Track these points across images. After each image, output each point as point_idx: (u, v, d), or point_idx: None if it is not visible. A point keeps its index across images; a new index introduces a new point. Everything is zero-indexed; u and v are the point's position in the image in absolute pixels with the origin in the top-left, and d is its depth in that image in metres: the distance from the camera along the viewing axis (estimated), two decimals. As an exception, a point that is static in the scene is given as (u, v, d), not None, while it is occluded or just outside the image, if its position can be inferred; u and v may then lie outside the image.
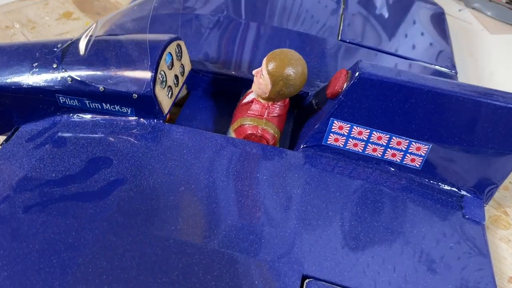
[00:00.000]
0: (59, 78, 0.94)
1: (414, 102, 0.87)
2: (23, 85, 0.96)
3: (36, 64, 0.96)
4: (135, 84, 0.91)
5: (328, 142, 0.94)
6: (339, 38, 1.33)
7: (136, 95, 0.92)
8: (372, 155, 0.94)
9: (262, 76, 0.93)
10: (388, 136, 0.91)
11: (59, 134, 0.94)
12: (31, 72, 0.96)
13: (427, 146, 0.90)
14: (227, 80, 1.12)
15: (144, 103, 0.93)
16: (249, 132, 0.95)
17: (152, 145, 0.90)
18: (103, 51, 0.93)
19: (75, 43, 0.96)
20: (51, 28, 1.48)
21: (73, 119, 0.97)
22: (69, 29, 1.52)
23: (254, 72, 0.95)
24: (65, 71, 0.94)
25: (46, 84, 0.95)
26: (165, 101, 0.96)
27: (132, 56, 0.93)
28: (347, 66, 1.22)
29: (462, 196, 0.93)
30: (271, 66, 0.90)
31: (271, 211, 0.81)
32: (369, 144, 0.92)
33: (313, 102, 1.05)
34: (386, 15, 1.49)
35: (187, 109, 1.12)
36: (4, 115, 1.03)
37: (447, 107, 0.86)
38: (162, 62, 0.94)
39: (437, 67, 1.31)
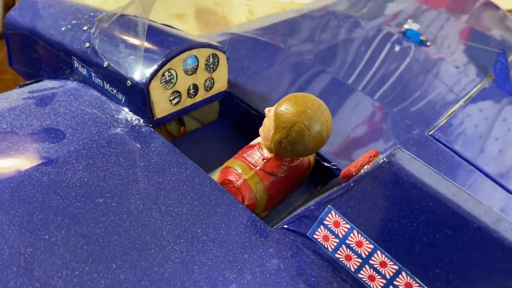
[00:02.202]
0: (80, 41, 0.87)
1: (454, 234, 0.56)
2: (54, 37, 0.91)
3: (74, 22, 0.91)
4: (134, 70, 0.78)
5: (315, 237, 0.66)
6: (430, 133, 1.02)
7: (130, 82, 0.78)
8: (366, 283, 0.62)
9: (269, 116, 0.71)
10: (396, 267, 0.60)
11: (52, 96, 0.85)
12: (65, 28, 0.91)
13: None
14: (260, 119, 0.92)
15: (135, 95, 0.79)
16: (229, 178, 0.73)
17: (115, 142, 0.75)
18: (125, 28, 0.83)
19: (113, 14, 0.88)
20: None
21: (76, 88, 0.88)
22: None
23: (266, 110, 0.74)
24: (88, 36, 0.86)
25: (68, 43, 0.88)
26: (162, 104, 0.81)
27: (148, 42, 0.80)
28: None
29: None
30: (282, 107, 0.69)
31: None
32: (366, 266, 0.62)
33: (340, 181, 0.78)
34: (509, 138, 1.12)
35: (203, 132, 0.94)
36: (35, 63, 1.00)
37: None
38: (177, 60, 0.80)
39: None
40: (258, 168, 0.72)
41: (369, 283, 0.62)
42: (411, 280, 0.59)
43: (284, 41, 1.25)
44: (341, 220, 0.63)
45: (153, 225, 0.64)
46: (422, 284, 0.58)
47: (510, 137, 1.11)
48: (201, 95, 0.88)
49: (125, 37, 0.82)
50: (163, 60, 0.77)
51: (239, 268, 0.61)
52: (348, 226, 0.63)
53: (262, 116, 0.91)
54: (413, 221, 0.58)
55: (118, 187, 0.67)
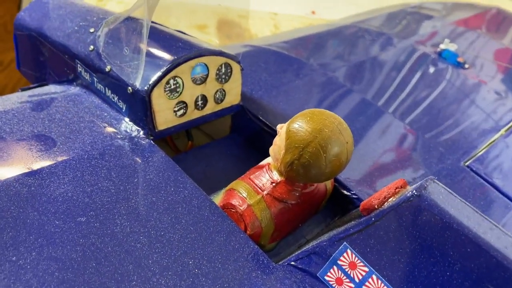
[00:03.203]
0: (85, 44, 0.81)
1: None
2: (59, 39, 0.86)
3: (81, 24, 0.85)
4: (136, 76, 0.71)
5: (326, 279, 0.56)
6: (466, 163, 0.91)
7: (130, 89, 0.71)
8: None
9: (280, 134, 0.62)
10: (423, 324, 0.49)
11: (51, 101, 0.79)
12: (71, 29, 0.85)
13: None
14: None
15: (136, 103, 0.71)
16: (232, 202, 0.64)
17: (109, 154, 0.67)
18: (130, 31, 0.76)
19: (121, 16, 0.82)
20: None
21: (77, 93, 0.81)
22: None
23: (278, 126, 0.65)
24: (94, 39, 0.80)
25: (73, 45, 0.83)
26: (166, 115, 0.73)
27: (154, 46, 0.73)
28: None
29: None
30: (295, 124, 0.60)
31: None
32: (387, 320, 0.51)
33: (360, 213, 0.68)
34: None
35: (211, 147, 0.86)
36: (42, 66, 0.95)
37: None
38: (185, 68, 0.72)
39: None
40: (265, 192, 0.63)
41: None
42: None
43: (309, 56, 1.17)
44: (358, 261, 0.53)
45: (139, 252, 0.55)
46: None
47: None
48: (211, 107, 0.80)
49: (129, 40, 0.75)
50: (168, 66, 0.70)
51: None
52: (367, 269, 0.53)
53: (275, 133, 0.83)
54: (446, 269, 0.48)
55: (104, 205, 0.59)
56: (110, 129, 0.72)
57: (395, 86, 1.13)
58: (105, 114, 0.76)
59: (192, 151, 0.84)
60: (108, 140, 0.70)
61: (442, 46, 1.30)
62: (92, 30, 0.82)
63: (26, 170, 0.61)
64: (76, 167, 0.64)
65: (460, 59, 1.27)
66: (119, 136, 0.71)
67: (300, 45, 1.23)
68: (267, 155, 0.80)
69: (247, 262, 0.57)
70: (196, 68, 0.74)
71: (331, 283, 0.55)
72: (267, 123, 0.84)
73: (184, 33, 0.83)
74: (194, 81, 0.75)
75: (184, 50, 0.73)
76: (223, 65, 0.78)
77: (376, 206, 0.53)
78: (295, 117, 0.61)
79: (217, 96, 0.80)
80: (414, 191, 0.50)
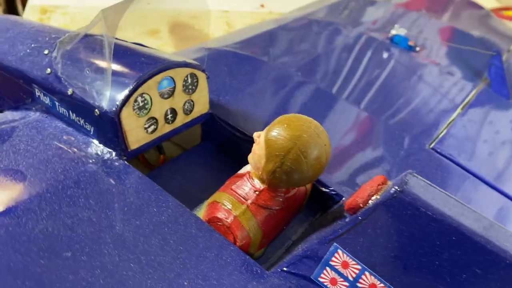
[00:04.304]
0: (41, 67, 0.77)
1: (484, 273, 0.48)
2: (12, 64, 0.82)
3: (33, 46, 0.81)
4: (102, 97, 0.69)
5: (320, 280, 0.57)
6: (431, 146, 0.95)
7: (98, 112, 0.69)
8: (383, 333, 0.54)
9: (259, 143, 0.62)
10: (418, 313, 0.51)
11: (12, 130, 0.75)
12: (24, 52, 0.81)
13: None
14: (249, 143, 0.83)
15: (106, 125, 0.69)
16: (217, 215, 0.63)
17: (83, 181, 0.65)
18: (89, 51, 0.74)
19: (77, 35, 0.79)
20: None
21: (39, 119, 0.78)
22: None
23: (255, 135, 0.65)
24: (50, 61, 0.77)
25: (27, 69, 0.79)
26: (137, 134, 0.71)
27: (117, 64, 0.71)
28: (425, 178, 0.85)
29: None
30: (273, 132, 0.60)
31: None
32: (383, 313, 0.53)
33: (342, 210, 0.69)
34: (509, 144, 1.06)
35: (184, 159, 0.85)
36: (-6, 92, 0.90)
37: None
38: (151, 83, 0.71)
39: None
40: (249, 201, 0.64)
41: (387, 333, 0.54)
42: (437, 328, 0.50)
43: (266, 53, 1.17)
44: (350, 260, 0.55)
45: (132, 280, 0.54)
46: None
47: None
48: (181, 119, 0.79)
49: (90, 60, 0.72)
50: (134, 84, 0.68)
51: None
52: (359, 266, 0.54)
53: (248, 138, 0.83)
54: (435, 259, 0.50)
55: (88, 236, 0.58)
56: (80, 154, 0.70)
57: (356, 76, 1.16)
58: (72, 138, 0.73)
59: (166, 165, 0.82)
60: (80, 167, 0.68)
61: (393, 32, 1.35)
62: (46, 51, 0.78)
63: (6, 211, 0.58)
64: (52, 200, 0.61)
65: (411, 43, 1.32)
66: (91, 161, 0.69)
67: (256, 44, 1.23)
68: (241, 161, 0.80)
69: (242, 274, 0.58)
70: (163, 82, 0.73)
71: (325, 284, 0.57)
72: (238, 128, 0.84)
73: (143, 45, 0.82)
74: (162, 95, 0.74)
75: (148, 65, 0.71)
76: (188, 76, 0.77)
77: (361, 205, 0.55)
78: (272, 124, 0.62)
79: (186, 107, 0.79)
80: (396, 187, 0.52)
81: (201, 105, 0.82)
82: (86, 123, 0.73)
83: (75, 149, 0.71)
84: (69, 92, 0.72)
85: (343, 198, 0.74)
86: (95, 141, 0.72)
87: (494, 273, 0.48)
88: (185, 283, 0.55)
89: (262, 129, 0.86)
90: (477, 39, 1.53)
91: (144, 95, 0.70)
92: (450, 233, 0.50)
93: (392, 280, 0.52)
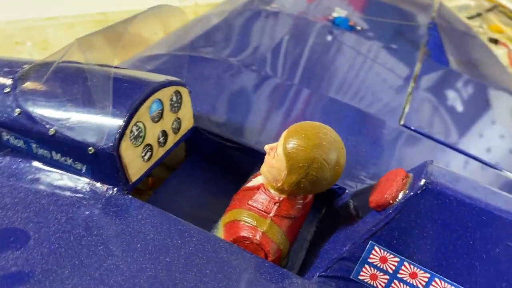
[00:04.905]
0: (6, 107, 0.69)
1: None
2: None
3: None
4: (94, 133, 0.64)
5: (361, 278, 0.59)
6: (402, 123, 1.01)
7: (92, 149, 0.63)
8: (428, 315, 0.58)
9: (276, 155, 0.62)
10: (459, 291, 0.56)
11: None
12: None
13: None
14: (238, 150, 0.83)
15: (103, 162, 0.64)
16: (243, 234, 0.63)
17: (94, 226, 0.60)
18: (67, 82, 0.68)
19: (41, 66, 0.72)
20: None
21: (14, 166, 0.70)
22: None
23: (266, 147, 0.65)
24: (16, 99, 0.69)
25: None
26: (136, 164, 0.68)
27: (103, 94, 0.66)
28: (406, 157, 0.90)
29: None
30: (291, 144, 0.60)
31: None
32: (426, 297, 0.57)
33: (351, 204, 0.72)
34: (461, 108, 1.16)
35: (177, 177, 0.82)
36: None
37: None
38: (143, 110, 0.67)
39: None
40: (272, 214, 0.63)
41: (431, 314, 0.58)
42: (479, 301, 0.55)
43: (218, 51, 1.15)
44: (388, 254, 0.57)
45: None
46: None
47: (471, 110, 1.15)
48: (172, 140, 0.76)
49: (69, 93, 0.66)
50: (128, 114, 0.64)
51: None
52: (397, 259, 0.57)
53: (237, 146, 0.82)
54: (469, 239, 0.55)
55: (123, 286, 0.54)
56: (78, 197, 0.65)
57: (311, 62, 1.17)
58: (61, 182, 0.67)
59: (161, 188, 0.79)
60: (84, 211, 0.63)
61: (334, 14, 1.39)
62: (7, 90, 0.70)
63: (23, 279, 0.52)
64: (69, 254, 0.56)
65: (351, 23, 1.37)
66: (93, 201, 0.64)
67: (204, 43, 1.20)
68: (233, 167, 0.80)
69: (282, 286, 0.58)
70: (153, 106, 0.69)
71: (366, 280, 0.59)
72: (225, 137, 0.83)
73: (117, 67, 0.76)
74: (153, 119, 0.70)
75: (134, 90, 0.67)
76: (173, 94, 0.74)
77: (390, 201, 0.58)
78: (286, 136, 0.61)
79: (174, 126, 0.76)
80: (424, 180, 0.55)
81: (187, 121, 0.79)
82: (76, 162, 0.67)
83: (69, 193, 0.65)
84: (51, 132, 0.65)
85: (346, 191, 0.76)
86: (89, 180, 0.67)
87: None
88: None
89: (249, 135, 0.86)
90: (391, 7, 1.60)
91: (138, 123, 0.66)
92: (480, 214, 0.54)
93: (432, 265, 0.56)
